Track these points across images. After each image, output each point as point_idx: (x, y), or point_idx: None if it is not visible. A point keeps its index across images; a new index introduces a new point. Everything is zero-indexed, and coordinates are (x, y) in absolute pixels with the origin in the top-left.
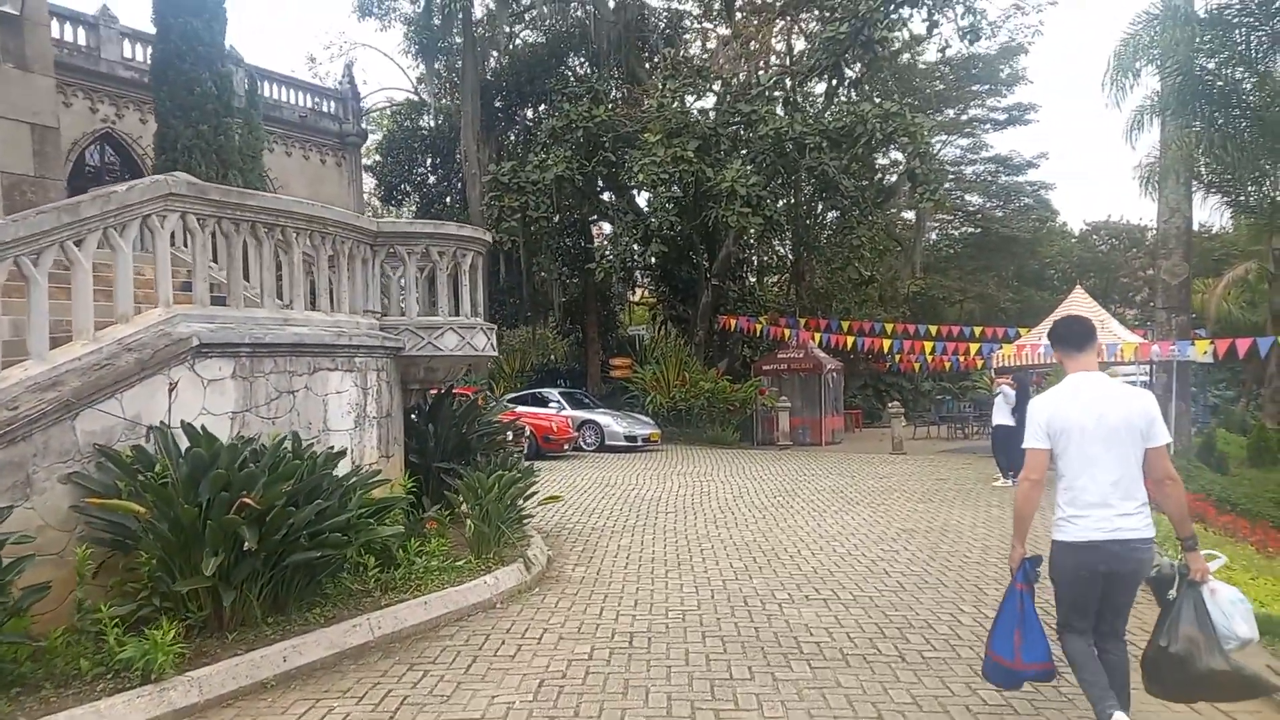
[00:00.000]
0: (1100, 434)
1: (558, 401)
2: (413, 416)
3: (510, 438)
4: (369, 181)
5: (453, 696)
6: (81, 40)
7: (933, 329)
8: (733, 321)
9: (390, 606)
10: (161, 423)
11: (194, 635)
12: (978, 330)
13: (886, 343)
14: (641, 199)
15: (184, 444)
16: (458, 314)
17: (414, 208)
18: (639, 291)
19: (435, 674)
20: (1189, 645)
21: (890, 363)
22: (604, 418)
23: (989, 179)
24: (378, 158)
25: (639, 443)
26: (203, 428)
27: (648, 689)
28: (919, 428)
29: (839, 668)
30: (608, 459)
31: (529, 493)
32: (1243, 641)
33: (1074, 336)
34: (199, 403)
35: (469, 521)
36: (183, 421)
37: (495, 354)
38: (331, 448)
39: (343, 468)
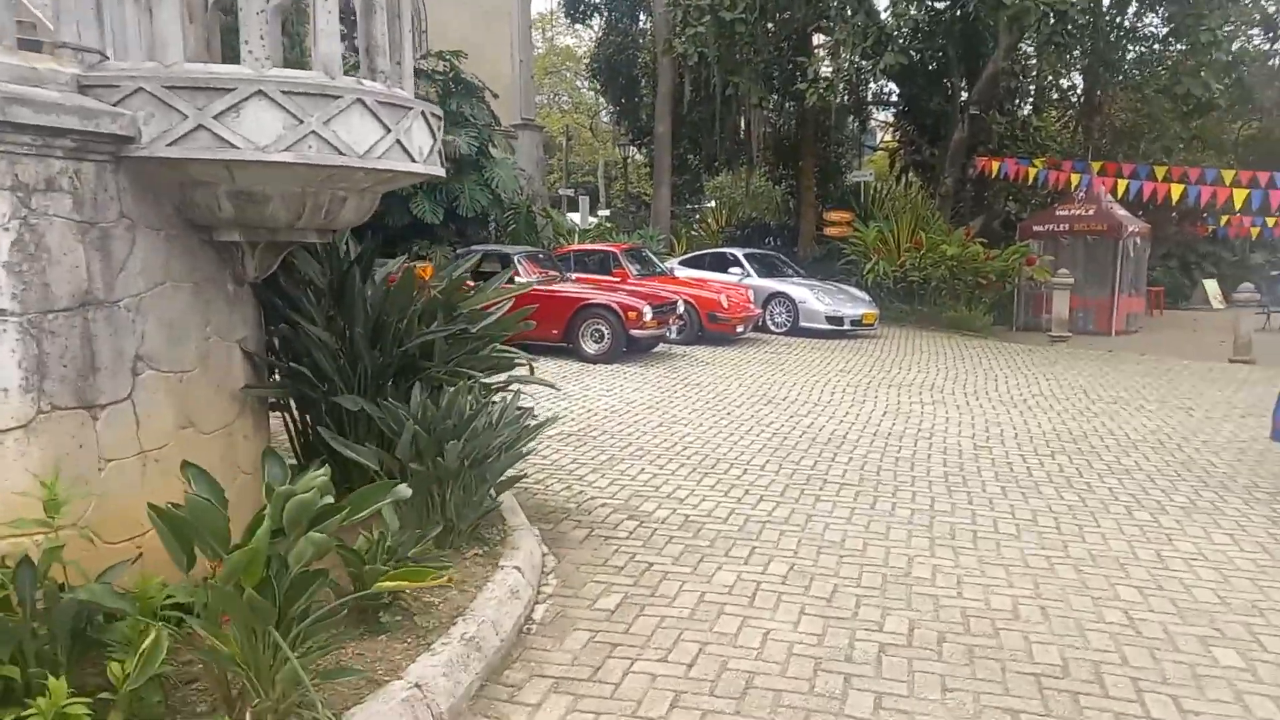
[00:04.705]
0: None
1: (741, 266)
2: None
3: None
4: None
5: None
6: None
7: None
8: (995, 165)
9: None
10: None
11: None
12: None
13: (1241, 194)
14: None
15: None
16: (297, 65)
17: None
18: (879, 134)
19: None
20: None
21: (1214, 226)
22: (799, 290)
23: None
24: None
25: (845, 325)
26: None
27: None
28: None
29: None
30: (796, 348)
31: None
32: None
33: None
34: None
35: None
36: None
37: (430, 169)
38: None
39: None
